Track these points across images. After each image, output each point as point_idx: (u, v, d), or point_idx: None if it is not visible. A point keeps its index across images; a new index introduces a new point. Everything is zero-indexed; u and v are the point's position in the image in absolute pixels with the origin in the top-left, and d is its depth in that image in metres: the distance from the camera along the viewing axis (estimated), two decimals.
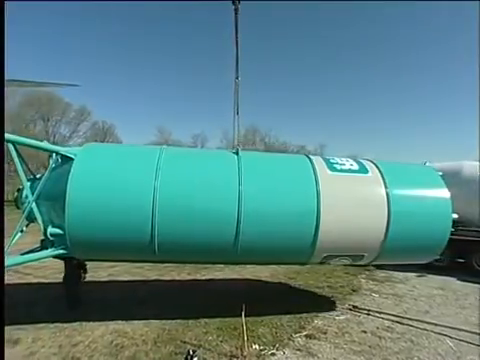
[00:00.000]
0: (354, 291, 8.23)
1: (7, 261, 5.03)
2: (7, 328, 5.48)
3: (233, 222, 5.08)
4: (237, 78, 6.40)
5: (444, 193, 6.00)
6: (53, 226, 5.08)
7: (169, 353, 4.90)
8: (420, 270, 10.01)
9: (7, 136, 5.16)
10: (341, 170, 5.79)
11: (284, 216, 5.27)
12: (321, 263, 6.16)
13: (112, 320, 5.96)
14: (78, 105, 43.78)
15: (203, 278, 9.15)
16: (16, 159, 5.37)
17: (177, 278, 9.09)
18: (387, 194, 5.60)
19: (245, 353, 4.80)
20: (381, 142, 75.60)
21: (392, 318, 6.46)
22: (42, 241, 5.54)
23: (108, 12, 71.06)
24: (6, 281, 7.86)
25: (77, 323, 5.79)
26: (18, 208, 5.80)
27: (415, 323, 6.22)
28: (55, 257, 5.47)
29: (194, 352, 4.46)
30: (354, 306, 7.05)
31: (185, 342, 5.23)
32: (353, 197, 5.57)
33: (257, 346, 5.17)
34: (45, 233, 5.14)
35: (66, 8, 65.05)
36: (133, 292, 7.64)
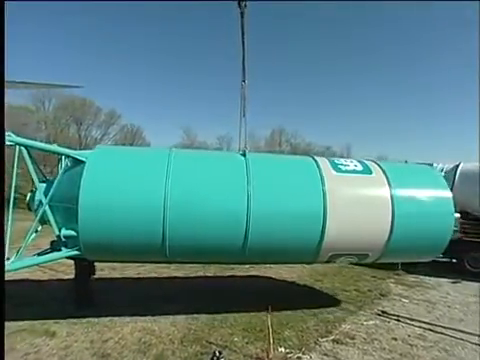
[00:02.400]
0: (383, 296, 7.98)
1: (22, 263, 5.22)
2: (45, 321, 5.82)
3: (242, 223, 5.19)
4: (244, 81, 6.41)
5: (446, 193, 6.13)
6: (66, 228, 5.16)
7: (195, 353, 4.97)
8: (454, 276, 9.58)
9: (20, 140, 5.30)
10: (346, 171, 5.90)
11: (291, 216, 5.39)
12: (327, 262, 6.24)
13: (141, 317, 6.13)
14: (108, 109, 45.41)
15: (229, 278, 9.20)
16: (29, 162, 5.46)
17: (203, 278, 9.19)
18: (391, 194, 5.71)
19: (271, 356, 4.77)
20: (411, 143, 72.79)
21: (424, 325, 6.21)
22: (52, 242, 5.68)
23: (135, 14, 73.10)
24: (41, 277, 8.34)
25: (108, 319, 6.00)
26: (30, 210, 5.88)
27: (449, 331, 5.95)
28: (66, 258, 5.59)
29: (220, 353, 4.48)
30: (383, 311, 6.84)
31: (211, 343, 5.28)
32: (358, 197, 5.68)
33: (283, 349, 5.14)
34: (59, 235, 5.23)
35: (99, 9, 67.47)
36: (160, 291, 7.80)
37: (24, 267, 5.35)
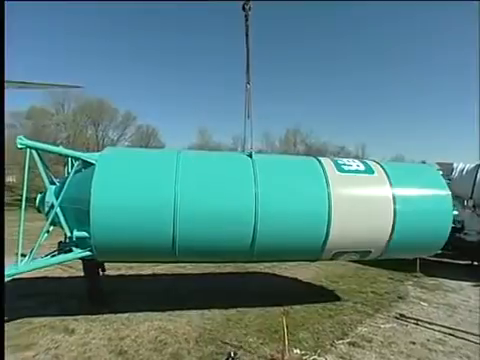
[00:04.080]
0: (401, 298, 7.81)
1: (34, 264, 5.28)
2: (65, 318, 5.98)
3: (250, 223, 5.27)
4: (248, 83, 6.42)
5: (444, 190, 6.36)
6: (78, 230, 5.16)
7: (210, 353, 4.99)
8: (476, 279, 9.28)
9: (30, 143, 5.35)
10: (349, 171, 6.05)
11: (297, 216, 5.51)
12: (330, 259, 6.39)
13: (157, 316, 6.23)
14: (124, 110, 46.22)
15: (243, 278, 9.20)
16: (39, 164, 5.51)
17: (218, 277, 9.23)
18: (392, 193, 5.90)
19: (286, 357, 4.75)
20: (430, 142, 70.97)
21: (444, 330, 6.04)
22: (59, 243, 5.75)
23: (150, 14, 74.09)
24: (61, 274, 8.55)
25: (125, 317, 6.11)
26: (39, 212, 5.92)
27: (471, 337, 5.76)
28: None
29: (235, 354, 4.50)
30: (401, 315, 6.70)
31: (226, 343, 5.30)
32: (361, 196, 5.87)
33: (298, 351, 5.10)
34: (70, 236, 5.26)
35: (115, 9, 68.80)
36: (176, 290, 7.89)
37: (36, 268, 5.38)
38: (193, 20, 75.54)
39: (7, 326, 5.68)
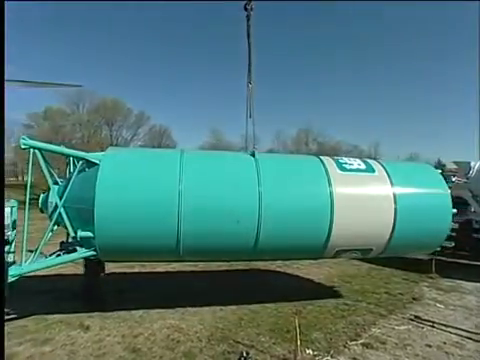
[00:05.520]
0: (415, 300, 7.66)
1: (39, 264, 5.34)
2: (80, 315, 6.09)
3: (254, 221, 5.31)
4: (249, 83, 6.42)
5: (444, 189, 6.45)
6: (82, 230, 5.16)
7: (222, 352, 5.01)
8: None
9: (32, 143, 5.37)
10: (350, 169, 6.13)
11: (300, 214, 5.58)
12: (332, 257, 6.48)
13: (169, 314, 6.28)
14: (138, 110, 46.72)
15: (255, 277, 9.18)
16: (43, 164, 5.54)
17: (230, 276, 9.24)
18: (393, 191, 5.99)
19: (298, 358, 4.72)
20: (446, 142, 69.27)
21: (461, 333, 5.89)
22: (61, 243, 5.78)
23: (165, 16, 74.67)
24: (74, 271, 8.68)
25: (138, 316, 6.19)
26: (42, 212, 5.96)
27: None
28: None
29: (248, 354, 4.49)
30: (416, 316, 6.57)
31: (238, 342, 5.30)
32: (362, 194, 5.95)
33: (311, 351, 5.07)
34: (74, 236, 5.26)
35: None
36: (188, 288, 7.94)
37: (40, 269, 5.42)
38: (209, 20, 75.80)
39: (26, 321, 5.86)
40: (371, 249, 6.25)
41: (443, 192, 6.44)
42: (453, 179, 10.14)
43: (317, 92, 76.72)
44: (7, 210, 5.85)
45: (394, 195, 5.95)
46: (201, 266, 9.88)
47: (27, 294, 6.88)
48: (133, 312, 6.32)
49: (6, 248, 5.66)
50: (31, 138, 5.59)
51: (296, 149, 46.87)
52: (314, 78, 76.85)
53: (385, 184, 6.06)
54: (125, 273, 9.03)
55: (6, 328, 5.59)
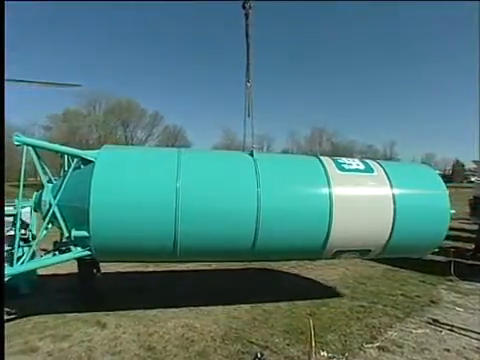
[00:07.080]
0: (433, 303, 7.47)
1: (34, 263, 5.32)
2: (96, 313, 6.21)
3: (252, 221, 5.27)
4: (248, 81, 6.35)
5: (442, 190, 6.48)
6: (76, 229, 5.03)
7: (236, 352, 5.03)
8: None
9: (26, 140, 5.26)
10: (349, 170, 6.11)
11: (299, 214, 5.55)
12: (331, 258, 6.43)
13: (183, 313, 6.34)
14: (152, 110, 47.35)
15: (269, 278, 9.16)
16: (37, 162, 5.42)
17: (243, 276, 9.24)
18: (392, 191, 5.98)
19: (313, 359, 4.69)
20: (464, 142, 67.47)
21: None
22: (55, 243, 5.74)
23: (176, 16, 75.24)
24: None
25: (153, 314, 6.27)
26: (35, 211, 5.88)
27: None
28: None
29: (262, 355, 4.49)
30: (434, 320, 6.41)
31: (252, 342, 5.30)
32: (361, 195, 5.95)
33: (325, 353, 5.02)
34: (69, 236, 5.13)
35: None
36: (201, 288, 7.99)
37: (35, 268, 5.45)
38: (218, 20, 75.95)
39: (45, 317, 6.02)
40: (370, 250, 6.22)
41: (441, 192, 6.45)
42: (472, 179, 9.89)
43: (333, 93, 76.02)
44: (27, 210, 5.99)
45: (393, 195, 5.95)
46: (214, 266, 9.92)
47: (46, 292, 7.09)
48: (148, 311, 6.40)
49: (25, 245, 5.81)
50: (30, 138, 5.52)
51: (310, 149, 46.59)
52: (329, 80, 76.07)
53: (384, 184, 6.06)
54: (140, 272, 9.16)
55: (29, 323, 5.80)
